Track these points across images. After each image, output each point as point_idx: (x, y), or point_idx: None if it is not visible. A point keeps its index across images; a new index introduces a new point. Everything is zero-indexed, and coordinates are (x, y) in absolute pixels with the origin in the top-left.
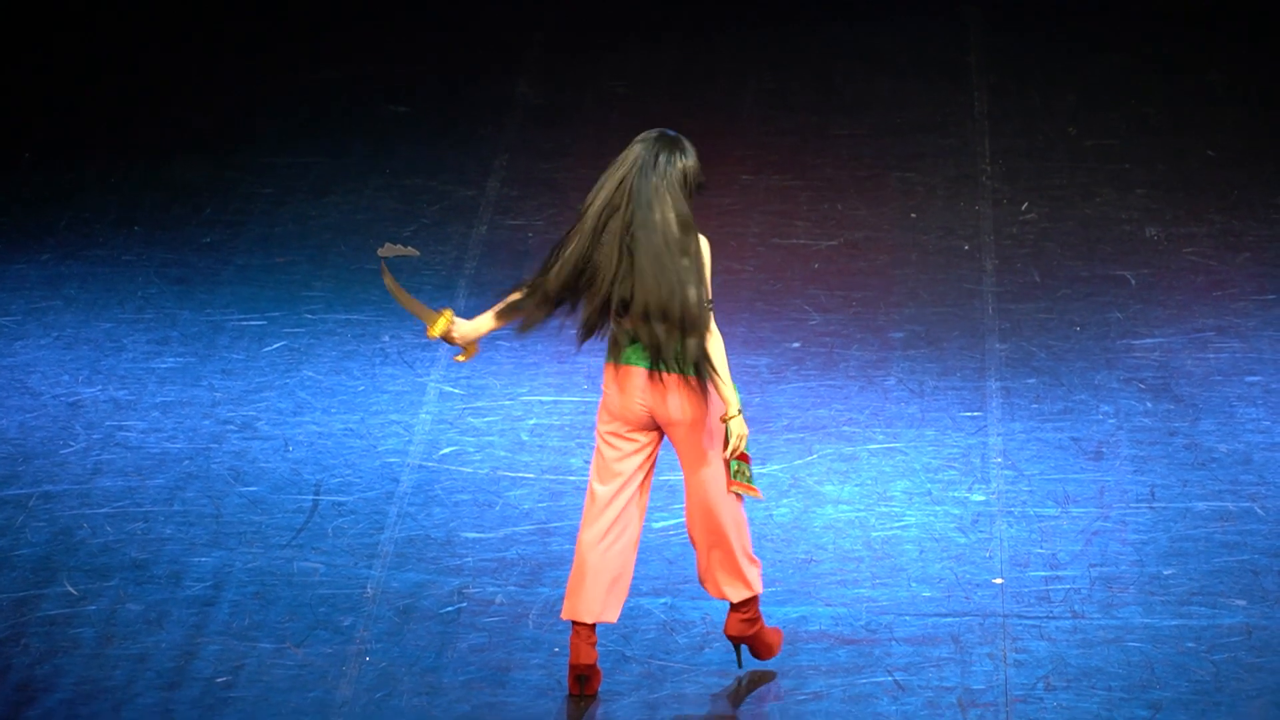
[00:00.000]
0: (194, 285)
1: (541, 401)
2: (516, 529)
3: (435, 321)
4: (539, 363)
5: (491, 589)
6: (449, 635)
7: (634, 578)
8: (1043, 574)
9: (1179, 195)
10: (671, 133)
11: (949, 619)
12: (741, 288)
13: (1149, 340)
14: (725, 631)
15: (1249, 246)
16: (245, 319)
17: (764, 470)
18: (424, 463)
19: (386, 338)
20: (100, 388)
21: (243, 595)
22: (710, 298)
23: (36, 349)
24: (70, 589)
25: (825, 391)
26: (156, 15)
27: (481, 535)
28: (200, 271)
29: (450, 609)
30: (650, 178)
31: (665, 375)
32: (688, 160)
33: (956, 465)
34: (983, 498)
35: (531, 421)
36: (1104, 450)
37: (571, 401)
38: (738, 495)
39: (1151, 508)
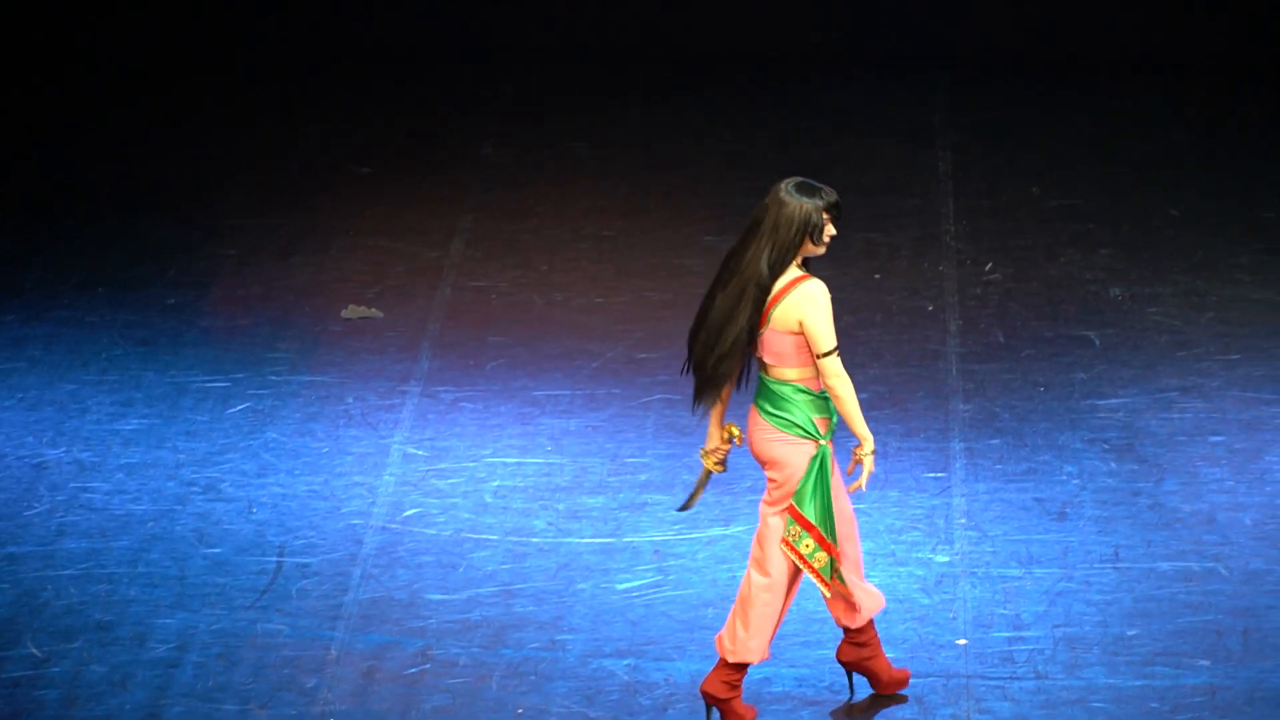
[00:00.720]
0: (158, 347)
1: (505, 463)
2: (480, 591)
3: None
4: (502, 424)
5: (455, 651)
6: (413, 697)
7: (597, 638)
8: (1006, 635)
9: (1143, 255)
10: (800, 179)
11: (913, 680)
12: None
13: (1113, 400)
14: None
15: (1213, 306)
16: (209, 381)
17: (728, 532)
18: (388, 524)
19: (350, 399)
20: (65, 449)
21: (207, 657)
22: (833, 345)
23: (1, 410)
24: (34, 650)
25: None
26: (122, 74)
27: (445, 597)
28: (164, 333)
29: (414, 670)
30: (757, 229)
31: (753, 410)
32: (784, 206)
33: (920, 526)
34: (946, 558)
35: (495, 483)
36: (1068, 511)
37: (535, 463)
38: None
39: (1115, 568)
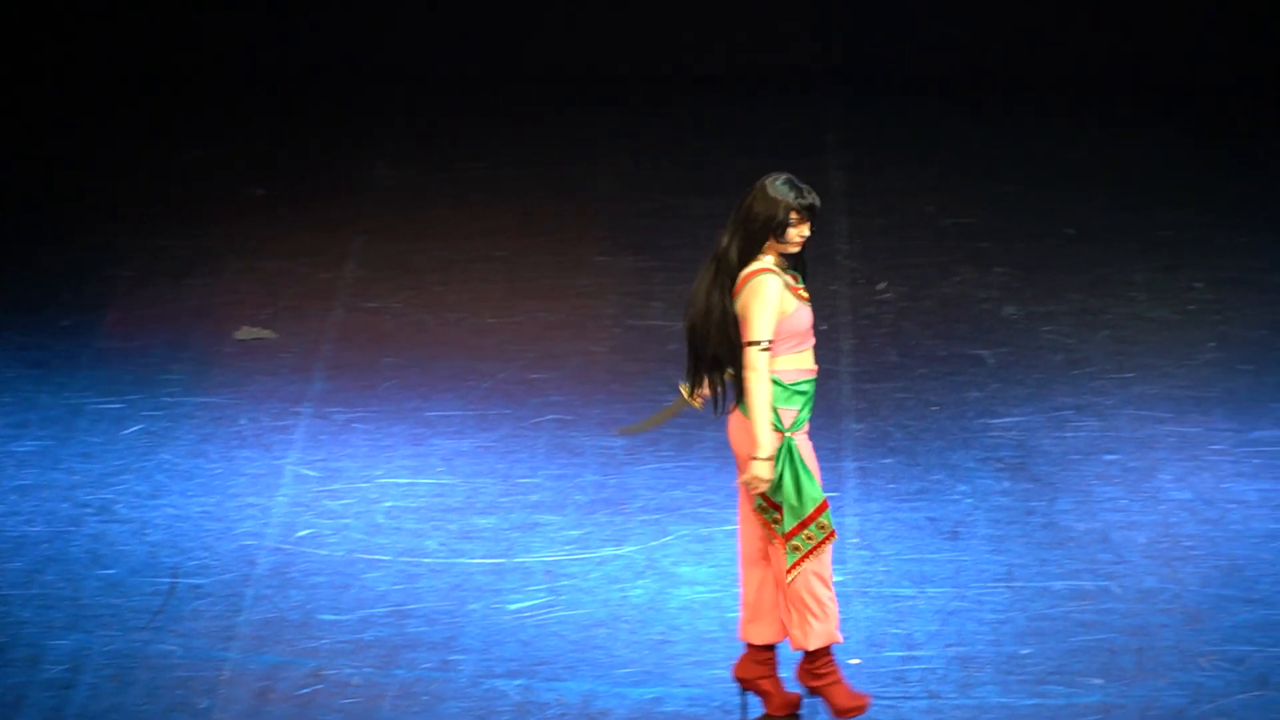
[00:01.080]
0: (52, 368)
1: (397, 484)
2: (373, 611)
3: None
4: (394, 445)
5: (348, 671)
6: (305, 717)
7: (489, 659)
8: (899, 654)
9: (1038, 274)
10: (788, 176)
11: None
12: (597, 369)
13: (1007, 419)
14: (735, 674)
15: (1107, 324)
16: (104, 402)
17: (619, 552)
18: (281, 545)
19: (244, 421)
20: None
21: (100, 678)
22: (762, 338)
23: None
24: None
25: (681, 473)
26: (12, 97)
27: (338, 617)
28: (59, 355)
29: (306, 691)
30: (736, 213)
31: (733, 406)
32: (759, 198)
33: None
34: (839, 578)
35: (387, 504)
36: (960, 530)
37: (427, 484)
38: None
39: (1009, 587)
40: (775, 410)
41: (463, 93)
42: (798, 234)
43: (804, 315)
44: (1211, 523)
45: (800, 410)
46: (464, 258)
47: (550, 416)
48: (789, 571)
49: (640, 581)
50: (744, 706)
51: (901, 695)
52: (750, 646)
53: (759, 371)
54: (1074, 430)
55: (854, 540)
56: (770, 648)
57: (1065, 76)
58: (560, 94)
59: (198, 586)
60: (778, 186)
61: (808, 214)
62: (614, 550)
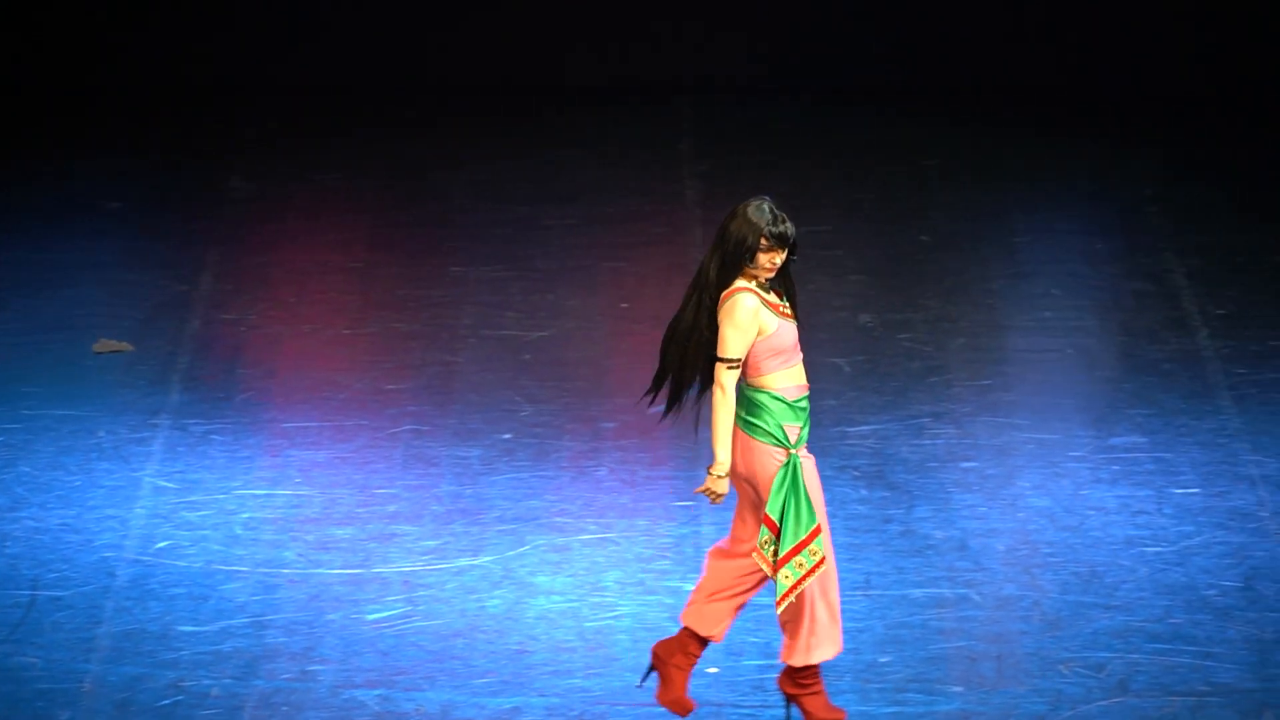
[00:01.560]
0: None
1: (255, 495)
2: (232, 622)
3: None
4: (252, 456)
5: (208, 682)
6: None
7: (348, 669)
8: (757, 663)
9: (893, 281)
10: (770, 203)
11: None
12: (453, 379)
13: (864, 427)
14: (654, 648)
15: (964, 332)
16: None
17: (476, 561)
18: (139, 557)
19: (102, 433)
20: None
21: None
22: (732, 355)
23: None
24: None
25: (537, 482)
26: None
27: (197, 629)
28: None
29: (167, 702)
30: (717, 233)
31: (734, 426)
32: (735, 220)
33: (669, 555)
34: (687, 586)
35: (245, 515)
36: None
37: (285, 495)
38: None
39: (867, 595)
40: (781, 427)
41: (317, 104)
42: (768, 260)
43: (787, 332)
44: (1070, 530)
45: (803, 427)
46: (319, 269)
47: (406, 427)
48: (784, 598)
49: (497, 591)
50: (604, 717)
51: (761, 704)
52: (685, 629)
53: (724, 390)
54: (931, 438)
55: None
56: (701, 642)
57: (919, 81)
58: (414, 105)
59: (57, 599)
60: (754, 211)
61: (778, 242)
62: (471, 560)
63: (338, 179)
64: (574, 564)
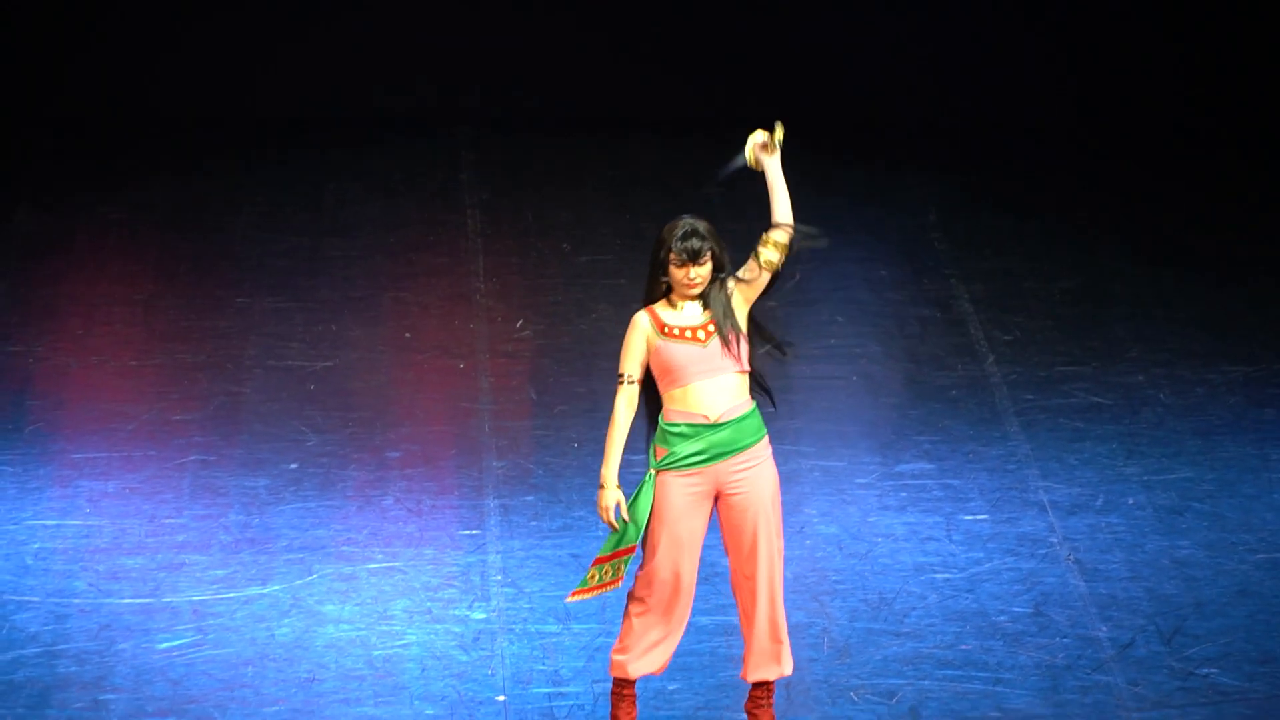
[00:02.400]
0: None
1: (45, 525)
2: (23, 652)
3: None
4: (42, 487)
5: (0, 712)
6: None
7: (140, 698)
8: (546, 690)
9: None
10: (695, 221)
11: None
12: (239, 410)
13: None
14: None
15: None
16: None
17: (265, 590)
18: None
19: None
20: None
21: None
22: (621, 371)
23: None
24: None
25: (324, 511)
26: None
27: None
28: None
29: None
30: None
31: None
32: (663, 240)
33: (456, 583)
34: (483, 615)
35: (35, 545)
36: None
37: (75, 525)
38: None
39: None
40: (653, 445)
41: (102, 139)
42: (683, 275)
43: (677, 353)
44: (858, 557)
45: (673, 450)
46: (106, 301)
47: (194, 457)
48: (575, 594)
49: (286, 620)
50: None
51: None
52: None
53: (615, 405)
54: None
55: (498, 577)
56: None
57: (698, 110)
58: (196, 138)
59: None
60: (669, 227)
61: (687, 256)
62: (259, 589)
63: (123, 211)
64: (361, 593)
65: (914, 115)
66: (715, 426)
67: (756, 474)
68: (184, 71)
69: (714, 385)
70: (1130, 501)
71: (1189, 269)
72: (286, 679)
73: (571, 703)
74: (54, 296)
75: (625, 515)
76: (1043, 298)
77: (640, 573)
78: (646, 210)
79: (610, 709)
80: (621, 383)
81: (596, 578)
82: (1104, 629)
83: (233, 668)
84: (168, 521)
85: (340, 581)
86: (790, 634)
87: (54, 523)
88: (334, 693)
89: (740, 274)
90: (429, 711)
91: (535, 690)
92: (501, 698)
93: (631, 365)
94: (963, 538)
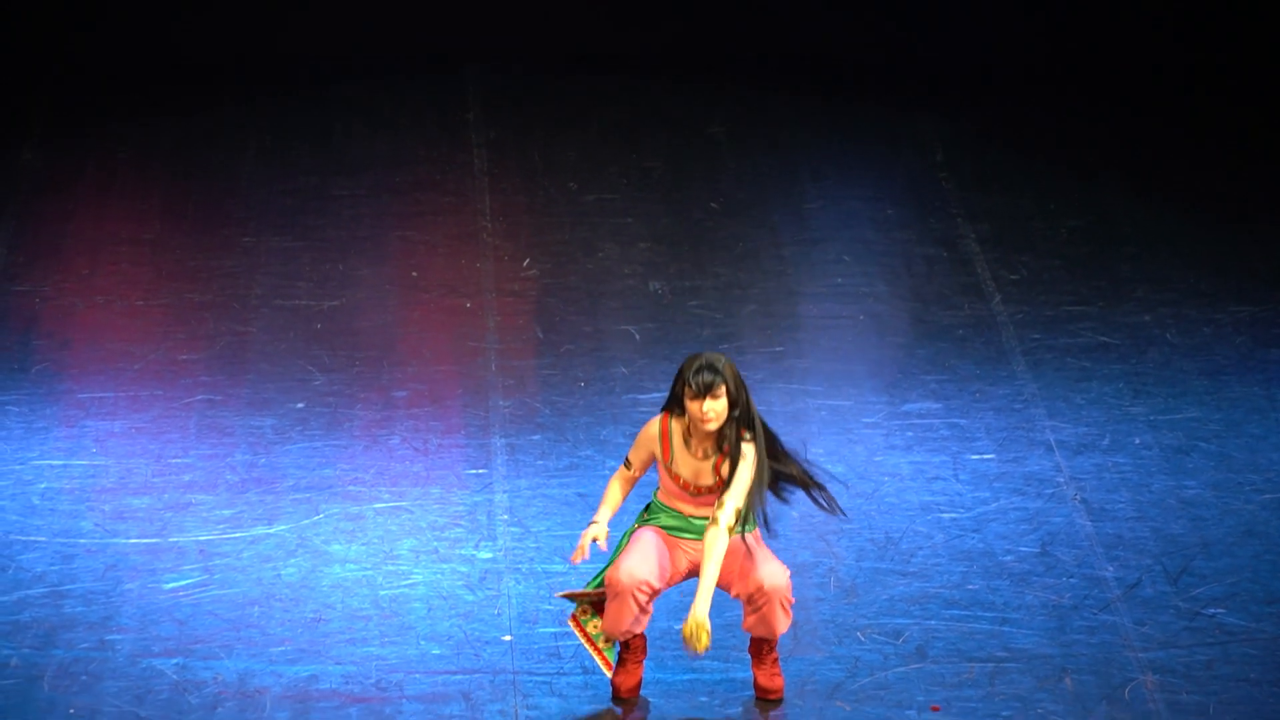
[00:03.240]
0: None
1: (51, 465)
2: (29, 592)
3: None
4: (48, 427)
5: (6, 652)
6: None
7: (146, 638)
8: (552, 630)
9: (683, 248)
10: (713, 355)
11: (459, 676)
12: (245, 349)
13: (655, 395)
14: None
15: (755, 299)
16: None
17: (271, 530)
18: None
19: None
20: None
21: None
22: (629, 457)
23: None
24: None
25: (330, 451)
26: None
27: None
28: None
29: None
30: None
31: None
32: (678, 385)
33: (463, 523)
34: (490, 555)
35: (42, 485)
36: None
37: (81, 465)
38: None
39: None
40: (645, 509)
41: (107, 77)
42: (696, 409)
43: (668, 484)
44: (865, 496)
45: (655, 516)
46: (112, 241)
47: (200, 397)
48: (566, 594)
49: (292, 560)
50: (400, 685)
51: (557, 671)
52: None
53: (610, 480)
54: None
55: (504, 517)
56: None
57: (705, 48)
58: (204, 78)
59: None
60: (690, 360)
61: (700, 389)
62: (266, 529)
63: (129, 151)
64: (368, 532)
65: (922, 54)
66: (692, 518)
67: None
68: (192, 11)
69: (696, 509)
70: (1137, 441)
71: (1196, 208)
72: (293, 619)
73: (578, 642)
74: (60, 236)
75: (602, 543)
76: (1049, 237)
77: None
78: (653, 149)
79: (619, 650)
80: (622, 466)
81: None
82: (1110, 569)
83: (239, 608)
84: (174, 461)
85: (347, 521)
86: (798, 573)
87: (60, 463)
88: (340, 632)
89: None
90: (435, 651)
91: (541, 630)
92: (508, 637)
93: (634, 458)
94: (969, 477)
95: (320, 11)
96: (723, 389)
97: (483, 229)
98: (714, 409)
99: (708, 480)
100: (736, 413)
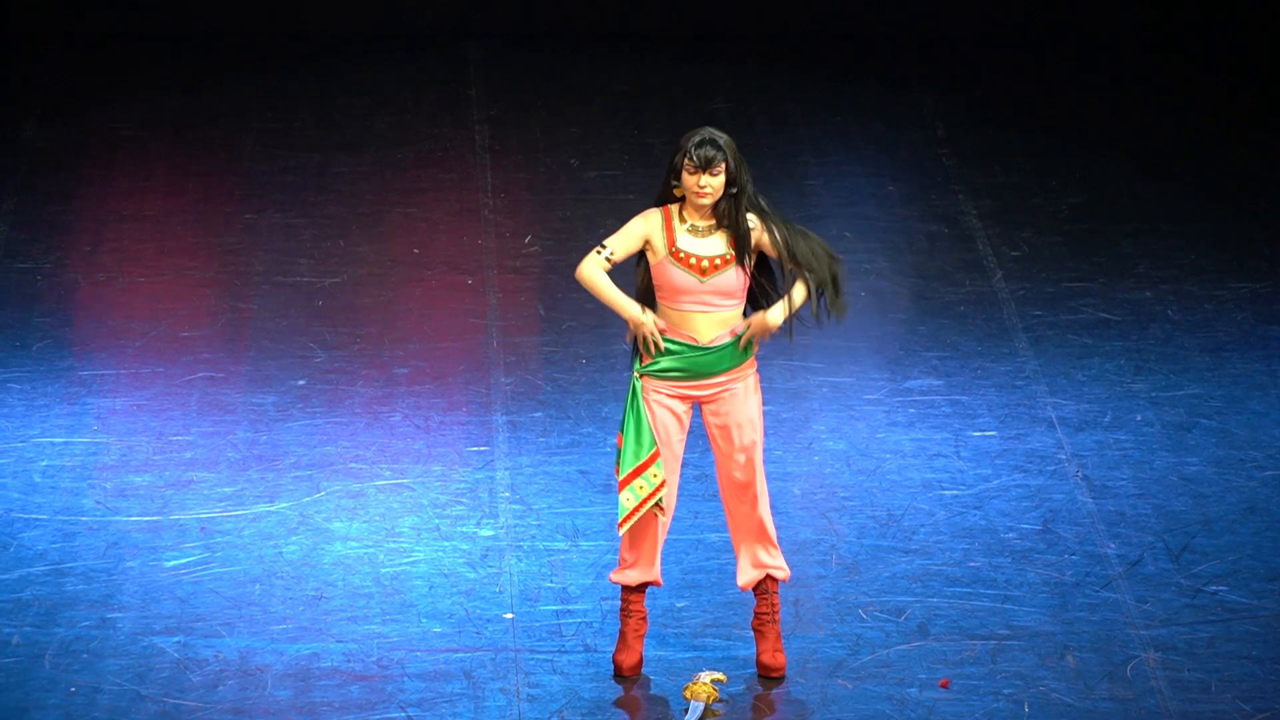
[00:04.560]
0: None
1: (53, 443)
2: (31, 570)
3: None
4: (49, 405)
5: (7, 630)
6: None
7: (147, 616)
8: (554, 608)
9: None
10: (713, 131)
11: (461, 654)
12: (246, 326)
13: None
14: None
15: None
16: None
17: (273, 508)
18: None
19: None
20: None
21: None
22: (605, 244)
23: None
24: None
25: (332, 428)
26: None
27: None
28: None
29: None
30: None
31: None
32: (680, 145)
33: (464, 500)
34: (491, 532)
35: (43, 463)
36: (613, 483)
37: (83, 443)
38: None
39: None
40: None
41: (109, 55)
42: (694, 183)
43: (674, 277)
44: (867, 473)
45: (658, 359)
46: (113, 217)
47: (201, 374)
48: (624, 521)
49: (294, 538)
50: (401, 663)
51: (558, 649)
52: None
53: (588, 271)
54: None
55: (506, 494)
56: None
57: (704, 25)
58: (206, 54)
59: None
60: (691, 133)
61: (700, 163)
62: (267, 507)
63: (131, 128)
64: (369, 510)
65: (923, 29)
66: (703, 349)
67: (740, 389)
68: None
69: (708, 317)
70: (1138, 418)
71: (1197, 185)
72: (294, 596)
73: (579, 620)
74: (62, 212)
75: (658, 339)
76: (1051, 213)
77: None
78: (655, 125)
79: (619, 626)
80: (598, 252)
81: (632, 499)
82: (1112, 546)
83: (240, 585)
84: (175, 439)
85: (348, 499)
86: (799, 551)
87: (62, 440)
88: (341, 610)
89: (765, 229)
90: (437, 629)
91: (543, 607)
92: (509, 615)
93: (617, 244)
94: (971, 454)
95: None
96: (723, 166)
97: (484, 205)
98: (711, 184)
99: (719, 249)
100: (734, 190)
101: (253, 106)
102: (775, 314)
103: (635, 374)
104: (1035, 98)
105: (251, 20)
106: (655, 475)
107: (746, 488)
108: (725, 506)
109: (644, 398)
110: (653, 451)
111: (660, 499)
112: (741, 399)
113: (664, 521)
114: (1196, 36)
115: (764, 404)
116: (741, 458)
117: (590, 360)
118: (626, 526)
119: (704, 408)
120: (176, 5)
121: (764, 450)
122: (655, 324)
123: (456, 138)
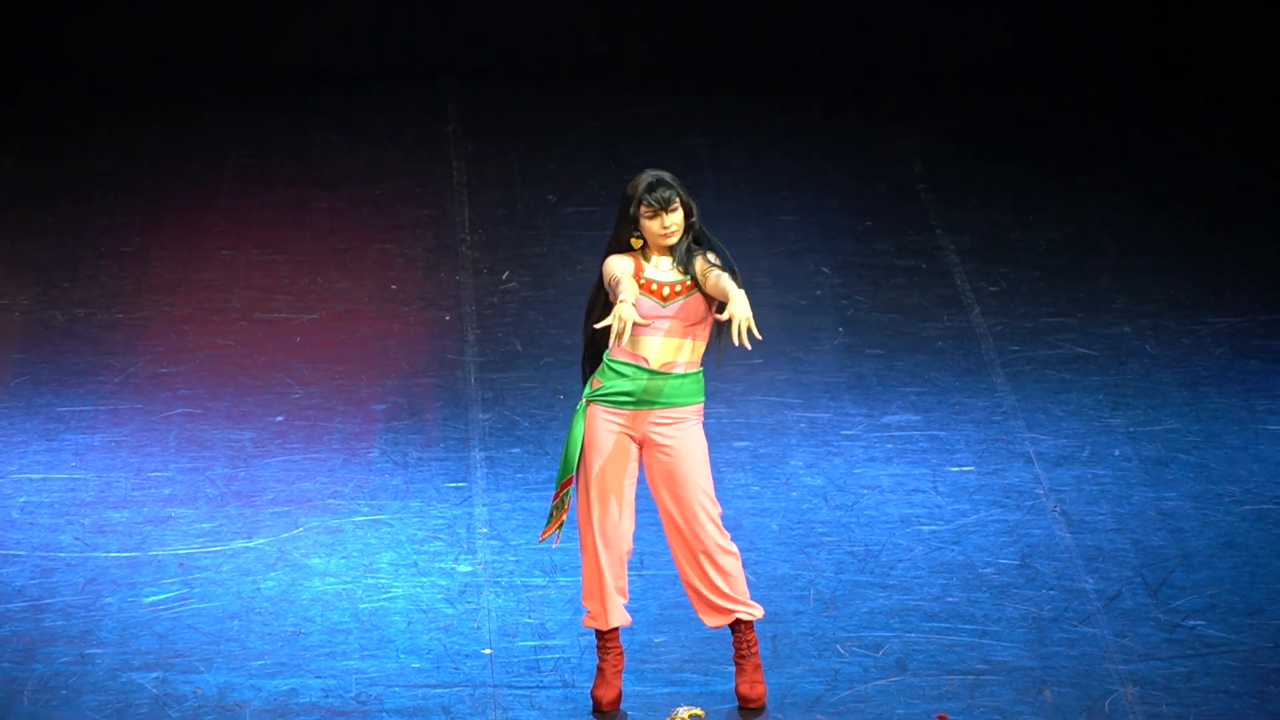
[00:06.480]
0: None
1: (30, 479)
2: (9, 606)
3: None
4: (27, 440)
5: None
6: None
7: (126, 652)
8: (532, 643)
9: None
10: (666, 175)
11: (439, 690)
12: (224, 362)
13: None
14: None
15: None
16: None
17: (251, 544)
18: None
19: None
20: None
21: None
22: (625, 297)
23: None
24: None
25: (310, 465)
26: None
27: None
28: None
29: None
30: None
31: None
32: (625, 193)
33: (443, 536)
34: (469, 568)
35: (21, 499)
36: None
37: (60, 479)
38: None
39: (640, 576)
40: (591, 378)
41: (88, 91)
42: (658, 226)
43: (652, 278)
44: (844, 509)
45: (607, 383)
46: (91, 254)
47: (180, 410)
48: (543, 535)
49: (272, 573)
50: (380, 698)
51: (537, 685)
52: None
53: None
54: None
55: (484, 530)
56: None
57: (683, 61)
58: (183, 90)
59: None
60: (635, 182)
61: (660, 204)
62: (245, 543)
63: (109, 164)
64: (347, 546)
65: (901, 66)
66: (652, 373)
67: (683, 431)
68: (170, 23)
69: (662, 341)
70: (1116, 453)
71: (1175, 220)
72: (272, 632)
73: (558, 655)
74: (39, 249)
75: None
76: (1029, 249)
77: (577, 514)
78: (632, 161)
79: (597, 661)
80: (625, 303)
81: (553, 513)
82: (1090, 581)
83: (219, 621)
84: (154, 475)
85: (326, 535)
86: (776, 586)
87: (40, 476)
88: (320, 646)
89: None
90: (415, 664)
91: (521, 643)
92: (488, 651)
93: (627, 288)
94: (949, 489)
95: (299, 25)
96: (678, 200)
97: (461, 241)
98: (674, 221)
99: (680, 276)
100: (692, 220)
101: (230, 143)
102: (739, 301)
103: (583, 400)
104: (1013, 133)
105: (230, 57)
106: (565, 500)
107: (693, 535)
108: (674, 556)
109: (586, 421)
110: (568, 477)
111: (562, 524)
112: (690, 436)
113: (610, 557)
114: (1174, 72)
115: (741, 440)
116: (696, 497)
117: (568, 396)
118: (544, 540)
119: (650, 450)
120: (155, 42)
121: (739, 485)
122: (630, 317)
123: (434, 174)
